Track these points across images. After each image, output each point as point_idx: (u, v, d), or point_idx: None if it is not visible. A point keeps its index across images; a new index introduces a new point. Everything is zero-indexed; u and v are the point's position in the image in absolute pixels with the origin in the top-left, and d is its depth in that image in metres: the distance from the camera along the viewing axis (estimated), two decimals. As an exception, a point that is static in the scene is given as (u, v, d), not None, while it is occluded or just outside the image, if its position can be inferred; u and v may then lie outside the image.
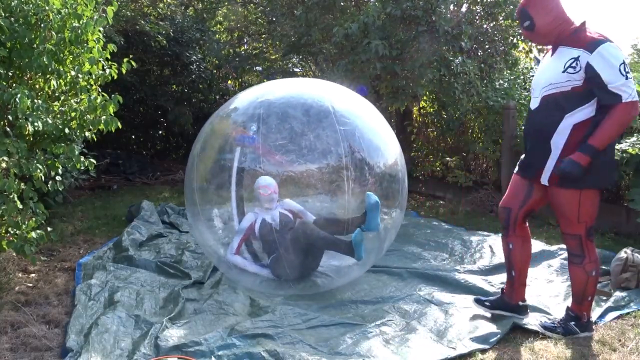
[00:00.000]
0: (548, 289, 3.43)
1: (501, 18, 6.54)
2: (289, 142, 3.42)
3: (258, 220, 3.49)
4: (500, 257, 3.97)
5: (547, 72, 2.68)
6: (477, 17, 6.46)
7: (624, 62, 2.47)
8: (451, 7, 5.95)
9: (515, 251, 2.86)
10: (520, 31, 6.60)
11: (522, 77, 6.56)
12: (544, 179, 2.67)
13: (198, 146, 3.54)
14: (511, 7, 6.32)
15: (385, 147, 3.49)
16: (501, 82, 6.36)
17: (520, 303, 2.91)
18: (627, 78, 2.45)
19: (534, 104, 2.75)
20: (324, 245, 3.35)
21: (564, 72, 2.55)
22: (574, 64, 2.52)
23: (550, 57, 2.72)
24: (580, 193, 2.61)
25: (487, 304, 2.96)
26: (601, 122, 2.50)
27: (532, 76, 6.80)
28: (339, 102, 3.41)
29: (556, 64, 2.61)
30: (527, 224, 2.93)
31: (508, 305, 2.91)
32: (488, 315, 2.98)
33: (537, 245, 4.16)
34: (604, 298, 3.23)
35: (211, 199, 3.56)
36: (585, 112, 2.54)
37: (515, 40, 6.56)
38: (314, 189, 3.66)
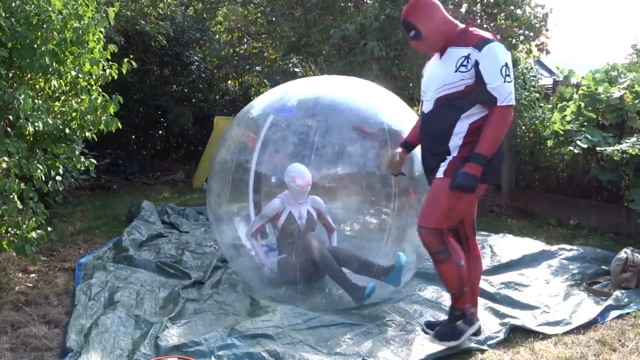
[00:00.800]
0: (548, 289, 3.44)
1: (501, 18, 6.55)
2: (337, 174, 3.27)
3: (285, 211, 3.34)
4: (500, 258, 3.98)
5: (438, 73, 2.61)
6: (476, 17, 6.46)
7: (506, 64, 2.44)
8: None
9: (468, 267, 2.68)
10: (520, 32, 6.61)
11: (522, 77, 6.55)
12: (439, 173, 2.57)
13: (223, 150, 3.48)
14: (511, 7, 6.32)
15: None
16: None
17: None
18: (505, 81, 2.42)
19: (427, 107, 2.67)
20: (329, 273, 3.21)
21: (456, 71, 2.50)
22: (465, 62, 2.48)
23: (438, 60, 2.65)
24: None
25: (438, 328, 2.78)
26: (484, 128, 2.47)
27: (533, 76, 6.80)
28: (395, 126, 3.20)
29: (447, 64, 2.55)
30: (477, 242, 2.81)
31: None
32: (488, 315, 2.98)
33: (537, 246, 4.17)
34: (604, 298, 3.24)
35: (235, 200, 3.52)
36: (480, 110, 2.50)
37: (514, 41, 6.56)
38: (354, 224, 3.55)
